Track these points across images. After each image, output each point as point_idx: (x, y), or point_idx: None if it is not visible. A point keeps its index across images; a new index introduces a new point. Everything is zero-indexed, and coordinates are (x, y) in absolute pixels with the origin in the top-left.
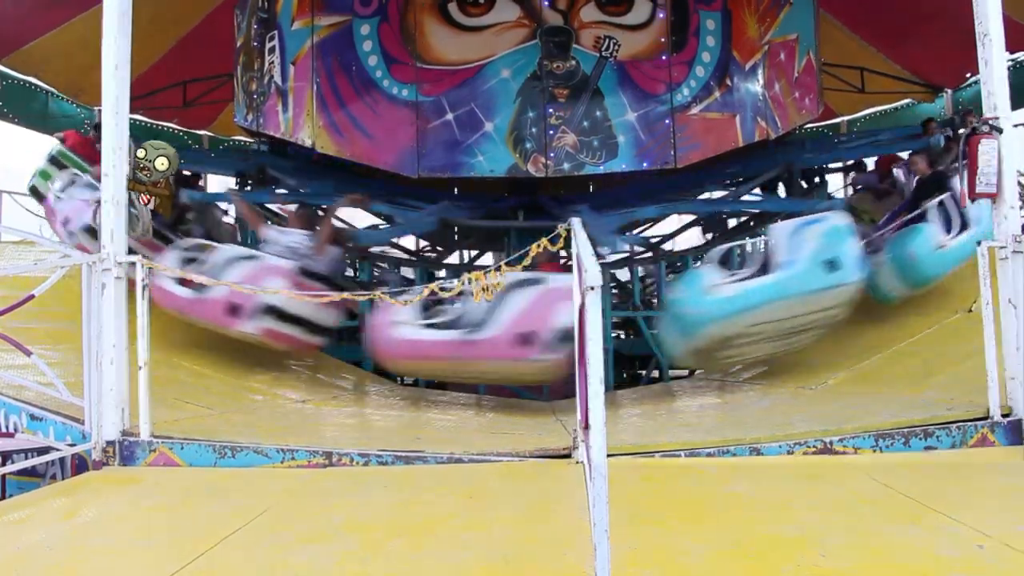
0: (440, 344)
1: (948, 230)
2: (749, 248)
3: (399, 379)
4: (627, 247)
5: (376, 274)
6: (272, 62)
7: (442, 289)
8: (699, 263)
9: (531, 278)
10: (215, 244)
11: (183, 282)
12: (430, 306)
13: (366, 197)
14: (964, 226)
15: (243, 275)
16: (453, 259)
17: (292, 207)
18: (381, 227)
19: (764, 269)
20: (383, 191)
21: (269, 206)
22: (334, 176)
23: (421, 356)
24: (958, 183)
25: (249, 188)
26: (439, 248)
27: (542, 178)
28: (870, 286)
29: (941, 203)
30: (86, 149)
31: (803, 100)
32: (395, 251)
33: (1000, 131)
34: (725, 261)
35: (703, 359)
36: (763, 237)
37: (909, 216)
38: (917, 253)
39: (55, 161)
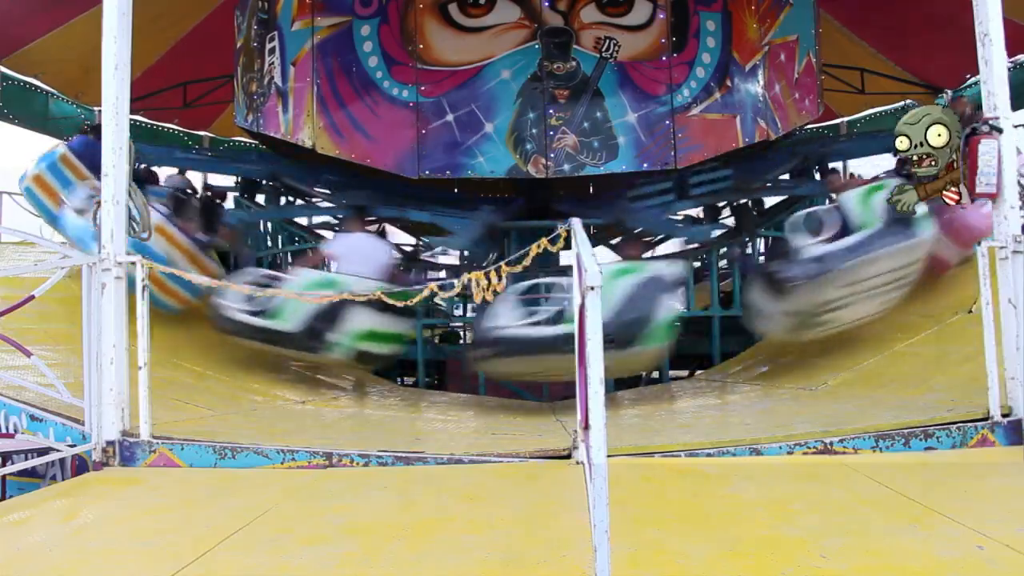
0: None
1: None
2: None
3: (399, 379)
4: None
5: None
6: (272, 63)
7: (441, 288)
8: None
9: None
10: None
11: None
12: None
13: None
14: None
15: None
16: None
17: None
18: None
19: None
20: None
21: None
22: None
23: None
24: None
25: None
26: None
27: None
28: None
29: None
30: None
31: (803, 101)
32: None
33: (1000, 131)
34: None
35: None
36: None
37: None
38: None
39: None
